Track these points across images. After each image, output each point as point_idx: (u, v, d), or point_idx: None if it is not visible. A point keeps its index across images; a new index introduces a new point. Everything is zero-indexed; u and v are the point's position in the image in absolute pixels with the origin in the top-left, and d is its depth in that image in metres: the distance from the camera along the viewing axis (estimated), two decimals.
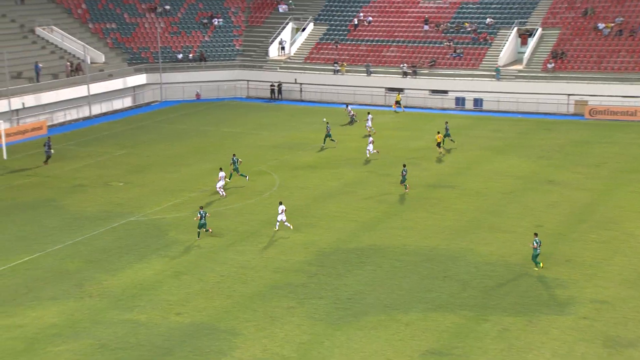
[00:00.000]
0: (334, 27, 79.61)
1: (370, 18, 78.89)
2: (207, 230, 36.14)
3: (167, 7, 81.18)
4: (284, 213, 36.77)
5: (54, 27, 71.67)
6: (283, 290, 30.16)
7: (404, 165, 43.81)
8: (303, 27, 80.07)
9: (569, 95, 65.98)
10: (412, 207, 40.41)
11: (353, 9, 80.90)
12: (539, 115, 66.03)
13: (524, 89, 67.60)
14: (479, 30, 74.01)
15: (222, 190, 42.26)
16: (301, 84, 74.81)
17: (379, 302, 29.15)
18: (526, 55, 70.36)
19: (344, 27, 78.93)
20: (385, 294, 29.79)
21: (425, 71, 71.74)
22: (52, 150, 49.93)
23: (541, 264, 32.17)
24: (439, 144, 51.83)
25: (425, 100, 70.22)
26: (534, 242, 31.82)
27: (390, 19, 78.68)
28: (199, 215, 35.87)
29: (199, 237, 35.96)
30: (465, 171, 47.81)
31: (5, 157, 51.71)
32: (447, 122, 55.83)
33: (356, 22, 78.88)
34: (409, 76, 71.48)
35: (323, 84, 73.41)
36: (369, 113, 60.38)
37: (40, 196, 42.84)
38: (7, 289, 30.34)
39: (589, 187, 43.69)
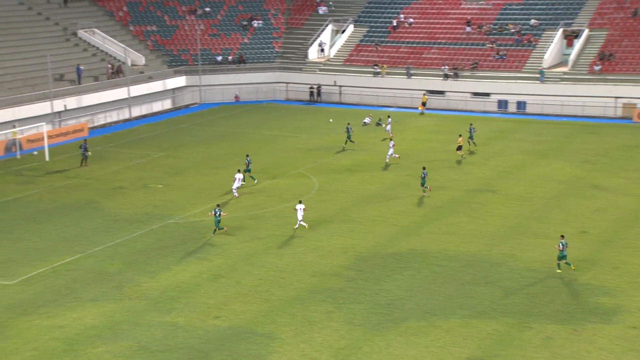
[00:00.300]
0: (374, 29, 79.51)
1: (411, 19, 78.62)
2: (221, 229, 36.86)
3: (207, 9, 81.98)
4: (302, 211, 37.14)
5: (95, 29, 72.91)
6: (321, 294, 30.19)
7: (424, 168, 43.82)
8: (343, 28, 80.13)
9: (617, 98, 64.90)
10: (453, 212, 40.14)
11: (393, 10, 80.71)
12: (584, 118, 65.07)
13: (569, 91, 66.68)
14: (522, 32, 73.23)
15: (235, 191, 42.86)
16: (340, 86, 74.83)
17: (419, 307, 29.00)
18: (572, 57, 69.41)
19: (384, 29, 78.80)
20: (425, 300, 29.63)
21: (467, 73, 71.22)
22: (89, 153, 50.65)
23: (572, 266, 31.95)
24: (459, 147, 51.51)
25: (467, 103, 69.72)
26: (560, 244, 31.76)
27: (432, 21, 78.31)
28: (212, 213, 36.66)
29: (214, 234, 36.75)
30: (508, 175, 47.34)
31: (47, 158, 52.73)
32: (471, 124, 55.61)
33: (396, 24, 78.66)
34: (450, 78, 71.04)
35: (363, 87, 73.35)
36: (389, 116, 60.57)
37: (81, 198, 43.57)
38: (49, 289, 30.94)
39: (636, 193, 42.90)
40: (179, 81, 73.96)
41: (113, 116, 66.70)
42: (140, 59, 72.97)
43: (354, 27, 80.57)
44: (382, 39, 77.94)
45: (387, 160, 50.03)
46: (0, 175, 48.81)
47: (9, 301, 29.89)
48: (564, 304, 29.26)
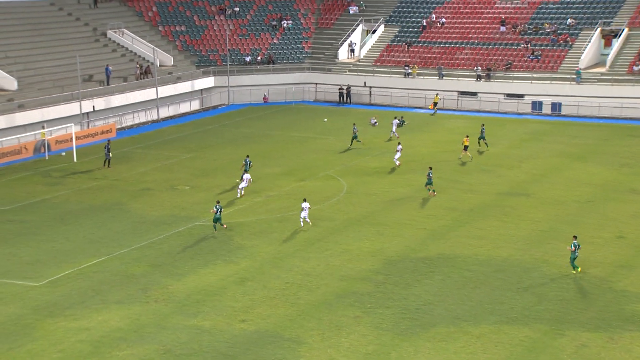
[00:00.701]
0: (405, 29, 79.32)
1: (444, 19, 78.28)
2: (222, 225, 37.70)
3: (237, 9, 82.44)
4: (307, 210, 37.79)
5: (125, 30, 73.72)
6: (349, 298, 30.16)
7: (430, 168, 44.06)
8: (374, 28, 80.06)
9: None
10: (484, 216, 39.87)
11: (425, 10, 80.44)
12: (622, 120, 64.24)
13: (606, 92, 65.88)
14: (559, 32, 72.52)
15: (242, 190, 43.49)
16: (371, 87, 74.76)
17: (449, 313, 28.83)
18: (610, 57, 68.58)
19: (415, 29, 78.57)
20: (455, 305, 29.45)
21: (501, 74, 70.70)
22: (111, 154, 51.01)
23: (579, 269, 32.14)
24: (465, 147, 51.54)
25: (500, 105, 69.24)
26: (572, 245, 31.93)
27: (465, 20, 77.90)
28: (214, 209, 37.48)
29: (215, 229, 37.79)
30: (541, 179, 46.91)
31: (75, 159, 53.41)
32: (483, 125, 55.61)
33: (425, 24, 78.37)
34: (482, 79, 70.57)
35: (393, 87, 73.22)
36: (395, 117, 60.61)
37: (108, 199, 44.05)
38: (76, 291, 31.30)
39: None
40: (207, 82, 74.47)
41: (141, 117, 67.34)
42: (169, 60, 73.62)
43: (385, 27, 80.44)
44: (414, 39, 77.71)
45: (397, 164, 49.06)
46: (28, 176, 49.56)
47: (35, 302, 30.31)
48: (599, 311, 28.86)
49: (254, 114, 70.17)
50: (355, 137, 55.43)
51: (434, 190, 43.46)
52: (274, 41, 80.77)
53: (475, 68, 71.16)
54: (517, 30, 74.15)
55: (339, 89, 74.56)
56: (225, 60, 76.30)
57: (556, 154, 53.29)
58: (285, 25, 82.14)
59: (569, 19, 73.27)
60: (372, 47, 79.06)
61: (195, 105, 73.45)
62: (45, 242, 37.05)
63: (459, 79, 71.66)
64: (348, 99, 74.54)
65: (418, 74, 73.27)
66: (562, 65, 69.53)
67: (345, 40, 79.13)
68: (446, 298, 30.12)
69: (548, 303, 29.60)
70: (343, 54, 78.65)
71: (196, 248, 35.93)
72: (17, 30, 67.55)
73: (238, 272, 33.11)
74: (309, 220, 38.26)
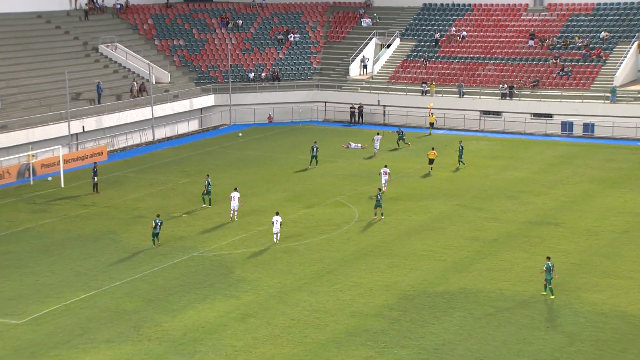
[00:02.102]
0: (422, 43, 79.73)
1: (465, 33, 78.68)
2: (157, 242, 39.87)
3: (239, 21, 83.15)
4: (278, 224, 39.75)
5: (118, 44, 74.38)
6: (361, 337, 30.00)
7: (380, 190, 44.93)
8: (388, 43, 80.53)
9: None
10: (509, 247, 39.73)
11: (445, 22, 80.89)
12: None
13: None
14: (591, 46, 72.74)
15: (234, 212, 44.60)
16: (385, 106, 75.02)
17: (471, 353, 28.63)
18: None
19: (433, 43, 78.92)
20: (478, 345, 29.24)
21: (527, 92, 70.85)
22: (97, 178, 51.14)
23: (552, 296, 32.97)
24: (431, 161, 54.98)
25: (526, 125, 69.30)
26: (545, 267, 32.86)
27: (488, 34, 78.29)
28: (153, 224, 39.43)
29: (154, 244, 39.83)
30: (573, 206, 46.77)
31: (62, 185, 53.61)
32: (461, 142, 57.06)
33: (445, 38, 78.72)
34: (507, 98, 70.72)
35: (409, 106, 73.45)
36: (377, 133, 62.16)
37: (98, 228, 44.13)
38: (62, 329, 31.23)
39: None
40: (207, 100, 74.89)
41: (135, 138, 67.70)
42: (166, 76, 74.15)
43: (401, 41, 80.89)
44: (432, 54, 78.07)
45: (384, 190, 48.33)
46: (11, 203, 49.74)
47: (16, 342, 30.24)
48: (639, 353, 28.58)
49: (258, 135, 70.39)
50: (314, 157, 56.56)
51: (382, 214, 44.33)
52: (280, 56, 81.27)
53: (500, 86, 71.34)
54: (545, 44, 74.41)
55: (350, 108, 74.83)
56: (226, 77, 76.77)
57: (588, 179, 53.17)
58: (292, 39, 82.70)
59: (603, 32, 73.49)
60: (386, 62, 79.43)
61: (194, 125, 73.81)
62: (28, 275, 37.08)
63: (482, 97, 71.82)
64: (360, 119, 74.79)
65: (436, 92, 73.49)
66: (595, 82, 69.62)
67: (357, 56, 79.56)
68: (468, 337, 29.92)
69: (581, 344, 29.34)
70: (355, 70, 79.05)
71: (194, 281, 35.88)
72: (1, 44, 68.17)
73: (239, 307, 33.02)
74: (277, 239, 40.16)
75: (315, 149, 56.79)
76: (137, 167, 59.28)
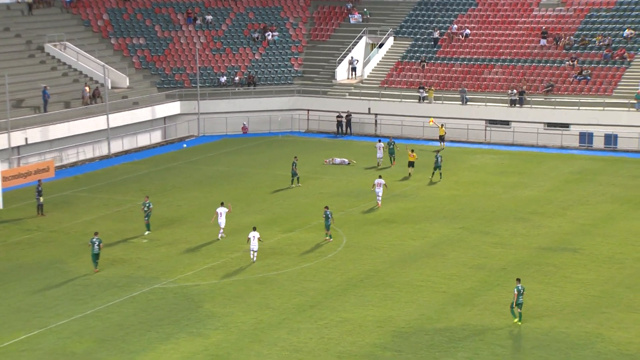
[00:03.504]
0: (419, 43, 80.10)
1: (468, 30, 79.17)
2: (96, 266, 40.68)
3: (209, 17, 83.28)
4: (256, 240, 41.32)
5: (67, 43, 74.28)
6: None
7: (327, 208, 45.40)
8: (380, 42, 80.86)
9: None
10: (520, 276, 39.61)
11: (445, 19, 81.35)
12: None
13: None
14: (613, 45, 73.31)
15: (221, 232, 45.84)
16: (376, 114, 75.19)
17: None
18: None
19: (432, 43, 79.31)
20: None
21: (540, 99, 71.24)
22: (42, 199, 50.92)
23: (520, 322, 34.03)
24: (411, 164, 58.58)
25: (539, 137, 69.64)
26: (515, 290, 34.12)
27: (494, 32, 78.79)
28: (90, 244, 40.29)
29: (96, 267, 40.67)
30: (593, 230, 46.94)
31: (1, 206, 53.29)
32: (438, 152, 59.02)
33: (445, 36, 79.15)
34: (517, 105, 71.10)
35: (405, 115, 73.67)
36: (379, 140, 63.71)
37: (43, 256, 43.83)
38: None
39: None
40: (172, 108, 74.84)
41: (87, 152, 67.48)
42: (123, 80, 74.07)
43: (394, 40, 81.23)
44: (430, 55, 78.41)
45: (379, 205, 51.79)
46: None
47: None
48: None
49: (230, 148, 70.33)
50: (295, 175, 56.54)
51: (330, 236, 45.15)
52: (256, 57, 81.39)
53: (508, 91, 71.71)
54: (561, 43, 74.95)
55: (337, 117, 74.96)
56: (194, 81, 76.78)
57: (611, 199, 53.41)
58: (270, 37, 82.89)
59: (627, 30, 74.09)
60: (378, 64, 79.70)
61: (156, 137, 73.69)
62: None
63: (487, 104, 72.16)
64: (348, 129, 74.91)
65: (435, 99, 73.78)
66: (618, 87, 70.11)
67: (344, 57, 79.81)
68: None
69: None
70: (342, 73, 79.27)
71: (155, 317, 35.70)
72: None
73: (208, 347, 32.87)
74: (254, 257, 41.61)
75: (294, 165, 56.77)
76: (89, 185, 59.05)
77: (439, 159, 57.83)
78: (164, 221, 49.58)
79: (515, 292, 34.22)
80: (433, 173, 58.04)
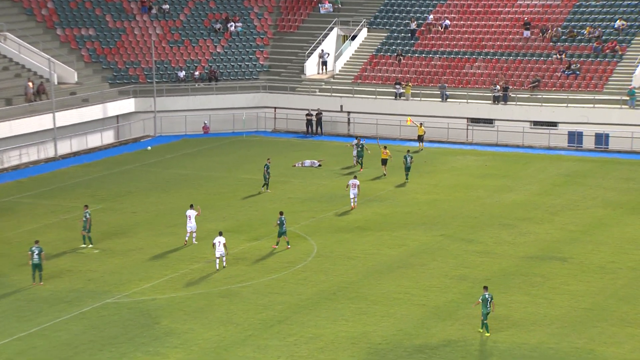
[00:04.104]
0: (395, 35, 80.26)
1: (448, 21, 79.45)
2: (39, 278, 40.76)
3: (166, 6, 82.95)
4: (222, 246, 41.79)
5: (7, 33, 73.67)
6: None
7: (281, 213, 45.73)
8: (353, 34, 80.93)
9: None
10: (506, 287, 39.94)
11: (422, 9, 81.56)
12: None
13: None
14: (604, 38, 73.83)
15: (190, 236, 46.40)
16: (349, 112, 75.21)
17: None
18: None
19: (409, 35, 79.51)
20: None
21: (526, 95, 71.62)
22: None
23: (488, 333, 34.58)
24: (384, 161, 59.65)
25: (525, 136, 69.96)
26: (480, 299, 34.66)
27: (476, 23, 79.12)
28: (29, 253, 40.55)
29: (34, 281, 40.73)
30: (583, 237, 47.23)
31: None
32: (408, 151, 59.52)
33: (418, 27, 79.39)
34: (501, 102, 71.42)
35: (380, 113, 73.74)
36: (356, 137, 64.92)
37: None
38: None
39: None
40: (126, 105, 74.48)
41: (31, 154, 66.97)
42: (71, 75, 73.59)
43: (368, 31, 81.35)
44: (407, 47, 78.59)
45: (354, 206, 52.85)
46: None
47: None
48: None
49: (190, 149, 70.11)
50: (267, 179, 56.58)
51: (287, 242, 45.54)
52: (218, 50, 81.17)
53: (492, 87, 72.02)
54: (547, 35, 75.40)
55: (307, 115, 74.95)
56: (150, 76, 76.43)
57: (602, 203, 53.79)
58: (232, 28, 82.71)
59: (618, 20, 74.61)
60: (350, 58, 79.76)
61: (108, 137, 73.28)
62: None
63: (469, 101, 72.45)
64: (319, 129, 74.90)
65: (413, 95, 73.94)
66: (609, 82, 70.60)
67: (314, 50, 79.78)
68: None
69: None
70: (312, 67, 79.24)
71: (108, 335, 35.46)
72: None
73: None
74: (224, 264, 42.29)
75: (266, 168, 56.53)
76: (34, 190, 58.62)
77: (408, 159, 58.29)
78: (117, 229, 49.30)
79: (480, 301, 34.83)
80: (406, 175, 58.60)
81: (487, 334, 34.68)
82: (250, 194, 56.51)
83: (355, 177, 53.74)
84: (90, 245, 46.41)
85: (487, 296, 34.77)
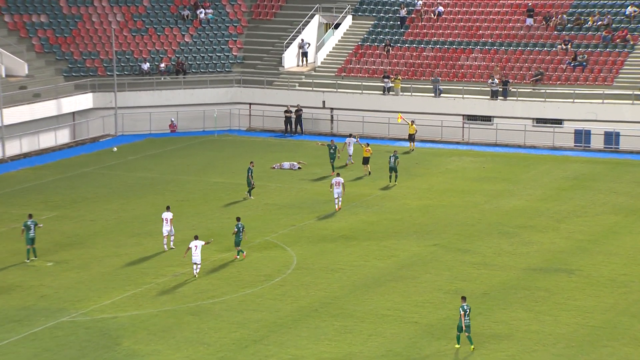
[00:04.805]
0: (383, 23, 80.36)
1: (441, 8, 79.61)
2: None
3: None
4: (199, 251, 42.73)
5: None
6: None
7: (239, 219, 46.05)
8: (336, 22, 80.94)
9: None
10: (506, 303, 39.97)
11: None
12: None
13: None
14: (614, 26, 74.11)
15: (168, 240, 47.25)
16: (332, 109, 75.20)
17: None
18: None
19: (398, 23, 79.58)
20: None
21: (528, 89, 71.78)
22: None
23: (472, 346, 34.85)
24: (366, 160, 60.79)
25: (527, 135, 70.09)
26: (460, 309, 34.90)
27: (473, 9, 79.35)
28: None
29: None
30: (592, 247, 47.34)
31: None
32: (396, 152, 59.68)
33: (408, 14, 79.48)
34: (500, 97, 71.54)
35: (366, 110, 73.76)
36: (350, 135, 65.58)
37: None
38: None
39: None
40: (83, 101, 74.25)
41: None
42: (21, 67, 73.37)
43: (353, 19, 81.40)
44: (396, 37, 78.67)
45: (338, 208, 53.81)
46: None
47: None
48: None
49: (156, 150, 69.97)
50: (251, 185, 56.37)
51: (239, 252, 46.01)
52: (186, 40, 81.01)
53: (489, 81, 72.15)
54: (552, 23, 75.62)
55: (285, 112, 74.90)
56: (110, 68, 76.20)
57: (613, 209, 53.93)
58: (202, 16, 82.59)
59: (630, 7, 74.86)
60: (333, 49, 79.78)
61: (63, 137, 73.01)
62: None
63: (465, 96, 72.57)
64: (298, 127, 74.85)
65: (403, 90, 73.98)
66: (620, 75, 70.86)
67: (293, 39, 79.74)
68: None
69: None
70: (291, 59, 79.20)
71: (63, 358, 35.27)
72: None
73: None
74: (196, 271, 42.84)
75: (250, 172, 56.35)
76: None
77: (393, 159, 58.62)
78: (73, 239, 49.10)
79: (461, 312, 34.97)
80: (390, 177, 58.89)
81: (472, 347, 35.05)
82: (223, 200, 56.39)
83: (338, 175, 54.20)
84: (34, 258, 46.06)
85: (465, 307, 35.05)
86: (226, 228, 50.65)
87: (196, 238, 43.05)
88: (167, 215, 47.11)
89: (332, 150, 62.44)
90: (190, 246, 42.80)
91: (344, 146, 64.26)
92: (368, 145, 61.13)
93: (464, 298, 35.79)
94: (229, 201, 56.12)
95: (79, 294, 41.46)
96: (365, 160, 60.79)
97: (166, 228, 46.98)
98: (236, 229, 45.71)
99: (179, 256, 45.10)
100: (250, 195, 56.51)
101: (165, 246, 47.14)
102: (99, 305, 40.31)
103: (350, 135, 65.68)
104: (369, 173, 60.78)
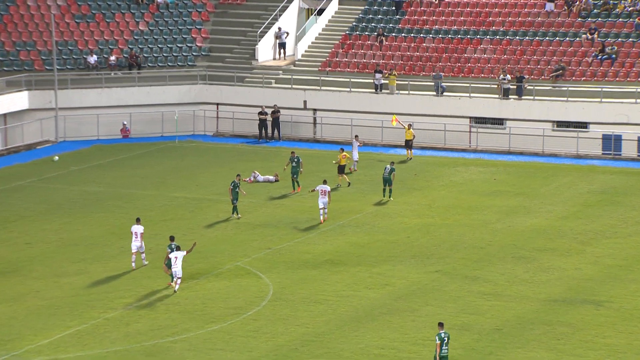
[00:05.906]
0: (374, 8, 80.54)
1: None
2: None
3: None
4: (180, 261, 43.91)
5: None
6: None
7: (172, 239, 46.56)
8: (319, 7, 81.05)
9: None
10: (522, 341, 39.96)
11: None
12: None
13: None
14: None
15: (137, 257, 47.83)
16: (315, 110, 75.23)
17: None
18: None
19: (393, 8, 79.72)
20: None
21: (546, 87, 71.92)
22: None
23: None
24: (341, 169, 61.86)
25: (545, 141, 70.24)
26: (437, 338, 35.44)
27: None
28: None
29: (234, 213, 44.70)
30: (624, 274, 47.43)
31: None
32: (392, 163, 59.90)
33: (409, 0, 79.78)
34: (513, 96, 71.61)
35: (355, 111, 73.81)
36: (356, 137, 66.88)
37: None
38: None
39: None
40: (17, 101, 74.26)
41: None
42: None
43: (339, 4, 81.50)
44: (391, 25, 78.79)
45: (323, 220, 55.08)
46: None
47: None
48: None
49: (105, 159, 69.94)
50: (234, 200, 56.22)
51: (172, 277, 45.32)
52: (141, 28, 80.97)
53: (501, 77, 72.26)
54: (575, 9, 75.84)
55: (259, 114, 74.90)
56: (49, 62, 76.08)
57: None
58: (161, 0, 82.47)
59: None
60: (316, 39, 79.90)
61: None
62: None
63: (472, 95, 72.70)
64: (275, 132, 74.82)
65: (399, 87, 74.04)
66: None
67: (268, 28, 79.76)
68: None
69: None
70: (266, 51, 79.31)
71: None
72: None
73: None
74: (177, 285, 43.97)
75: (236, 184, 56.16)
76: None
77: (388, 170, 58.65)
78: (5, 266, 49.03)
79: (438, 342, 35.24)
80: (384, 190, 59.06)
81: None
82: (185, 218, 56.25)
83: (324, 182, 54.63)
84: None
85: (443, 335, 35.31)
86: (197, 252, 50.40)
87: (178, 248, 43.98)
88: (137, 228, 47.34)
89: (294, 164, 61.38)
90: (170, 257, 43.52)
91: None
92: (343, 150, 61.46)
93: (441, 324, 35.90)
94: (196, 220, 55.94)
95: (12, 332, 41.22)
96: (341, 169, 61.21)
97: (136, 244, 47.23)
98: (169, 249, 45.74)
99: (133, 286, 44.79)
100: (237, 214, 56.33)
101: (134, 264, 47.30)
102: (35, 345, 40.06)
103: (356, 137, 66.53)
104: (349, 184, 61.20)
